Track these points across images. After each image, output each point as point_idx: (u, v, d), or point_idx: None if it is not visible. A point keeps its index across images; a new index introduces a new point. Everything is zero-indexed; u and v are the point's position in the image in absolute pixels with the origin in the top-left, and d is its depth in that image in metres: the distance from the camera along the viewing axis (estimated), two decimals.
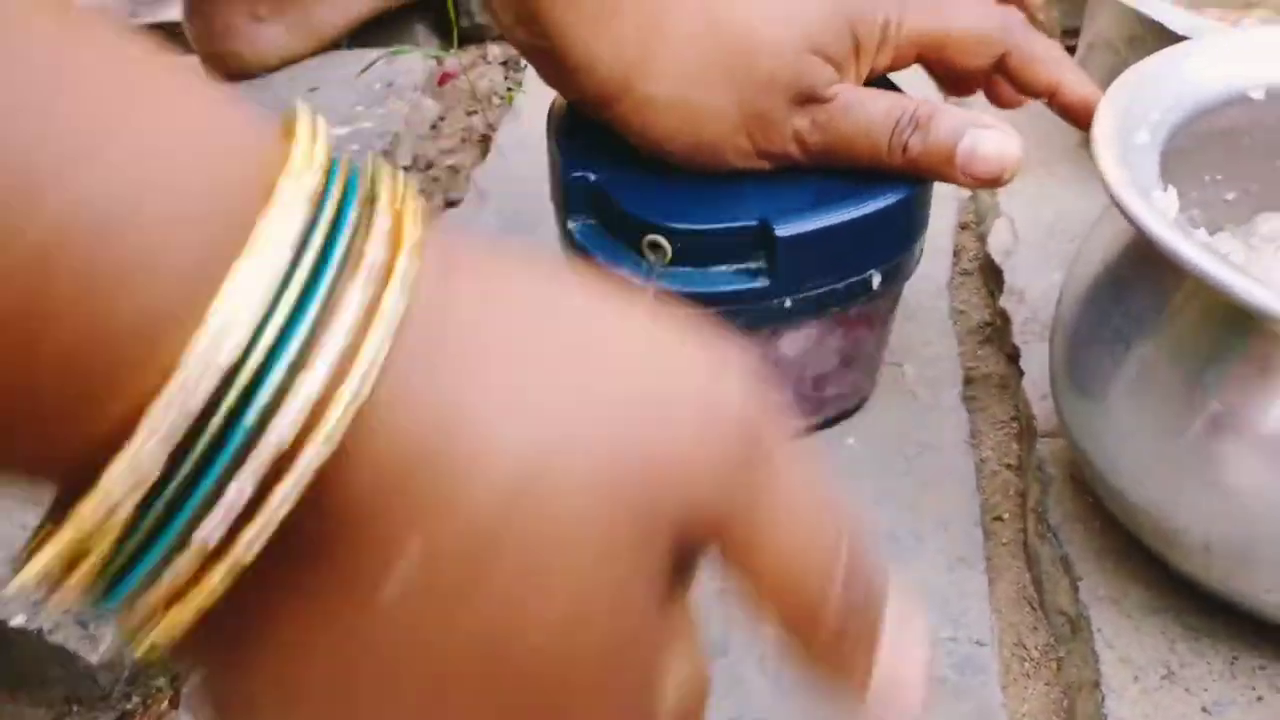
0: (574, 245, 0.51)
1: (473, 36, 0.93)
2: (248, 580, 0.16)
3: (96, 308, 0.14)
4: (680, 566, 0.20)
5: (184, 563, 0.16)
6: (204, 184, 0.16)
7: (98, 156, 0.14)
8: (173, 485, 0.15)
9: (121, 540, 0.15)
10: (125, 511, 0.15)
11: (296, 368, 0.15)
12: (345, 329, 0.16)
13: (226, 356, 0.15)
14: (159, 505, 0.15)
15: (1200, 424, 0.38)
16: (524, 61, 0.89)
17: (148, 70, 0.16)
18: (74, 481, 0.15)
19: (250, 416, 0.15)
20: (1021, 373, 0.59)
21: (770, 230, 0.46)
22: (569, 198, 0.51)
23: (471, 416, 0.17)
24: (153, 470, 0.15)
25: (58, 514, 0.16)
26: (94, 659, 0.48)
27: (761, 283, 0.47)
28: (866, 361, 0.56)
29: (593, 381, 0.18)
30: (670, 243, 0.47)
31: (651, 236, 0.47)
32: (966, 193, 0.75)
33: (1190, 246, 0.35)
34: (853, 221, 0.47)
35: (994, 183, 0.47)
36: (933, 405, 0.57)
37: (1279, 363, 0.36)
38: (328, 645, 0.17)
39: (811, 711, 0.41)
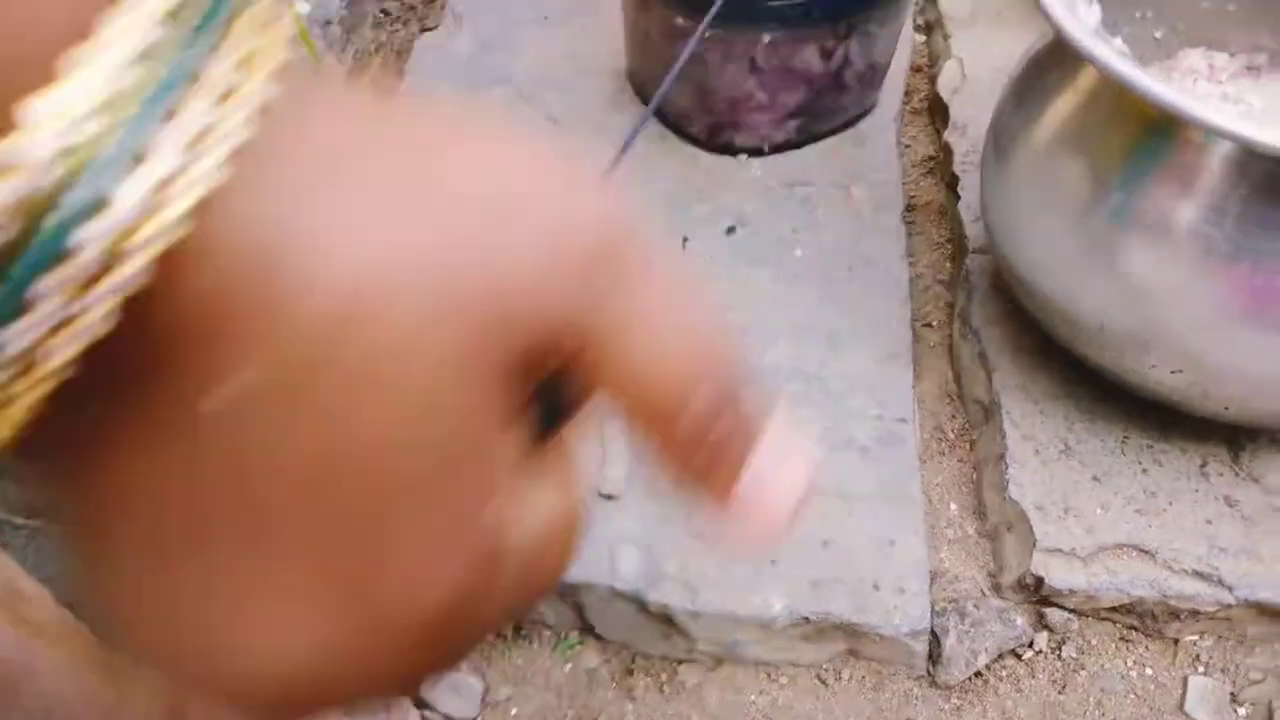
0: None
1: None
2: (65, 404, 0.15)
3: None
4: (544, 396, 0.19)
5: (8, 350, 0.14)
6: None
7: None
8: None
9: None
10: None
11: (117, 177, 0.14)
12: (180, 144, 0.14)
13: (39, 151, 0.13)
14: None
15: (1102, 216, 0.44)
16: None
17: None
18: None
19: (51, 220, 0.13)
20: (958, 198, 0.64)
21: None
22: None
23: (300, 239, 0.16)
24: None
25: None
26: None
27: None
28: (885, 67, 0.66)
29: (433, 200, 0.17)
30: None
31: None
32: (921, 37, 0.79)
33: (1102, 48, 0.40)
34: None
35: None
36: (875, 225, 0.62)
37: (1172, 159, 0.41)
38: (151, 475, 0.16)
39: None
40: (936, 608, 0.49)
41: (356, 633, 0.18)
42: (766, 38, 0.59)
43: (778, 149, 0.65)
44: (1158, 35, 0.57)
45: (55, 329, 0.14)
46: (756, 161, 0.65)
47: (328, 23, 0.76)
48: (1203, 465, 0.51)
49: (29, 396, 0.14)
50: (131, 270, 0.14)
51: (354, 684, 0.19)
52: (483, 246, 0.17)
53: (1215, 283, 0.41)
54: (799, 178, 0.64)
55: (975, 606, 0.49)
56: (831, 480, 0.50)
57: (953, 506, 0.53)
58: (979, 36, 0.74)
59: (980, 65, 0.71)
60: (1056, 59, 0.46)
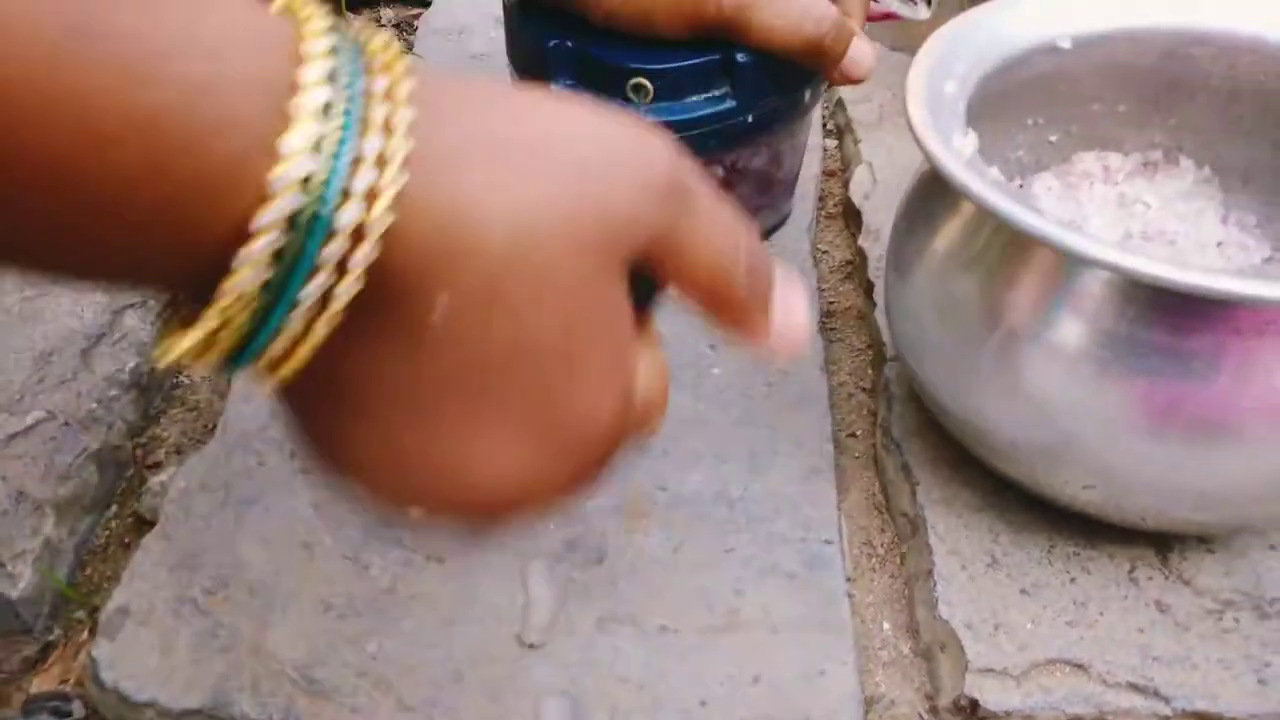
0: None
1: (364, 0, 0.96)
2: (338, 333, 0.23)
3: (197, 151, 0.20)
4: (641, 291, 0.27)
5: (297, 318, 0.22)
6: (254, 62, 0.21)
7: (190, 47, 0.20)
8: (282, 267, 0.21)
9: (254, 312, 0.22)
10: (253, 290, 0.21)
11: (350, 176, 0.21)
12: (374, 150, 0.22)
13: (299, 172, 0.21)
14: (275, 284, 0.21)
15: (996, 337, 0.44)
16: (417, 24, 0.91)
17: None
18: (198, 285, 0.22)
19: (326, 210, 0.21)
20: (875, 304, 0.64)
21: (733, 59, 0.55)
22: (550, 64, 0.58)
23: (470, 199, 0.23)
24: (266, 261, 0.21)
25: (180, 309, 0.23)
26: (14, 595, 0.52)
27: (728, 104, 0.57)
28: (792, 179, 0.66)
29: (553, 162, 0.25)
30: (651, 83, 0.55)
31: (635, 80, 0.55)
32: (832, 142, 0.80)
33: (975, 179, 0.40)
34: None
35: (856, 81, 0.53)
36: None
37: (1056, 281, 0.42)
38: (394, 371, 0.24)
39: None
40: None
41: (551, 458, 0.26)
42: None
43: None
44: (1052, 140, 0.58)
45: (335, 284, 0.22)
46: None
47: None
48: (1131, 570, 0.50)
49: (322, 329, 0.22)
50: (370, 244, 0.22)
51: (547, 496, 0.27)
52: (595, 190, 0.24)
53: (1116, 402, 0.41)
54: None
55: None
56: (759, 611, 0.49)
57: (886, 625, 0.52)
58: (887, 140, 0.75)
59: (890, 169, 0.72)
60: (940, 185, 0.47)
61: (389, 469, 0.26)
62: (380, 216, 0.22)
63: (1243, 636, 0.48)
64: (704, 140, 0.58)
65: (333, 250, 0.21)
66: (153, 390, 0.65)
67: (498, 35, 0.82)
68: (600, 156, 0.25)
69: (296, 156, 0.21)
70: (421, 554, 0.52)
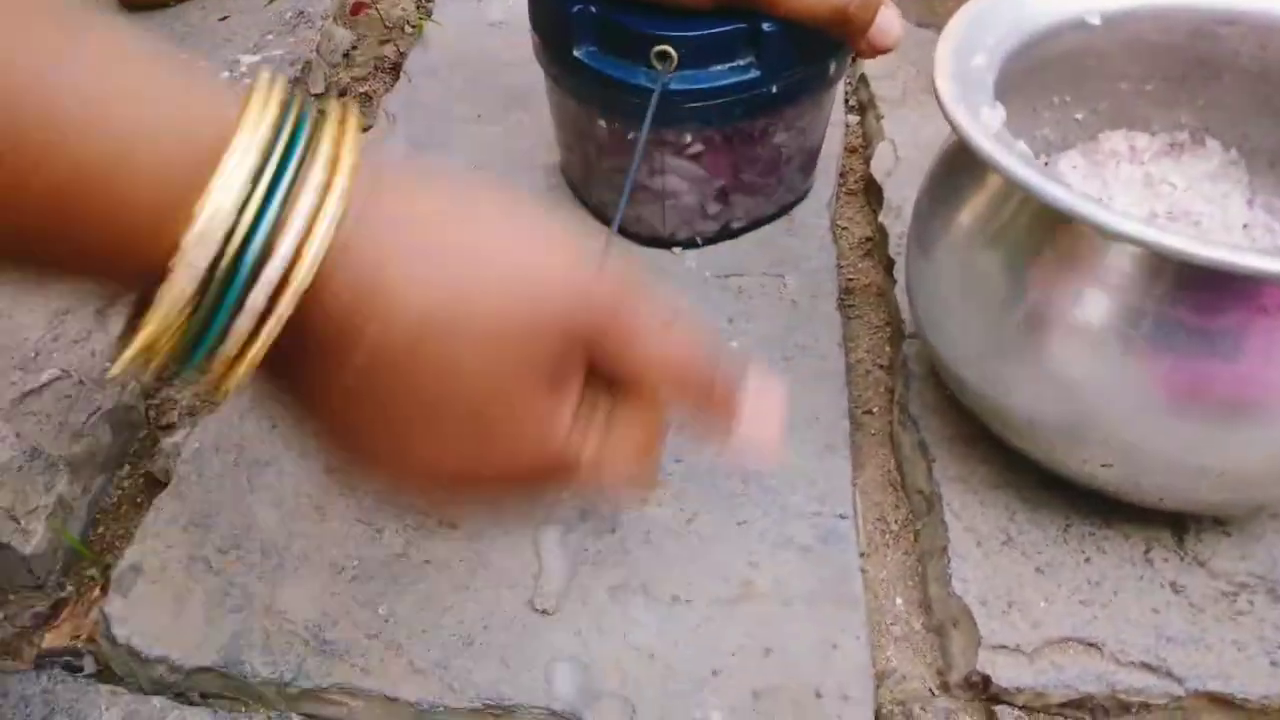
0: (582, 70, 0.59)
1: None
2: (285, 355, 0.27)
3: (120, 207, 0.25)
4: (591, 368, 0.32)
5: (229, 345, 0.26)
6: (185, 123, 0.25)
7: (108, 112, 0.24)
8: (205, 305, 0.26)
9: (181, 336, 0.26)
10: (177, 322, 0.26)
11: (274, 231, 0.26)
12: (302, 220, 0.26)
13: (213, 229, 0.25)
14: (200, 317, 0.26)
15: (1022, 312, 0.43)
16: None
17: (136, 51, 0.26)
18: (145, 296, 0.26)
19: (245, 263, 0.25)
20: (895, 281, 0.64)
21: (759, 28, 0.55)
22: (575, 30, 0.58)
23: (397, 264, 0.27)
24: (187, 295, 0.25)
25: (135, 322, 0.27)
26: (27, 550, 0.52)
27: (753, 74, 0.57)
28: (815, 153, 0.67)
29: (483, 251, 0.29)
30: (675, 50, 0.55)
31: (660, 47, 0.55)
32: (854, 118, 0.79)
33: (1003, 152, 0.40)
34: None
35: (883, 51, 0.53)
36: (810, 312, 0.62)
37: (1082, 257, 0.41)
38: (334, 392, 0.29)
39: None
40: (884, 710, 0.48)
41: (479, 472, 0.31)
42: (689, 137, 0.59)
43: (711, 241, 0.65)
44: (1078, 117, 0.57)
45: (262, 317, 0.26)
46: (691, 253, 0.65)
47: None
48: (1147, 551, 0.50)
49: (256, 354, 0.26)
50: (290, 296, 0.26)
51: (479, 494, 0.32)
52: (521, 280, 0.29)
53: (1139, 379, 0.41)
54: (733, 268, 0.64)
55: (922, 709, 0.48)
56: (772, 583, 0.49)
57: (898, 601, 0.52)
58: (911, 117, 0.74)
59: (913, 146, 0.72)
60: (966, 158, 0.46)
61: (344, 451, 0.31)
62: (303, 275, 0.26)
63: (1257, 619, 0.48)
64: (727, 110, 0.58)
65: (256, 296, 0.26)
66: None
67: (515, 3, 0.82)
68: (532, 266, 0.30)
69: (206, 217, 0.25)
70: (434, 520, 0.52)
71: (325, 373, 0.28)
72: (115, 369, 0.27)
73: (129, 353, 0.26)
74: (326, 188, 0.26)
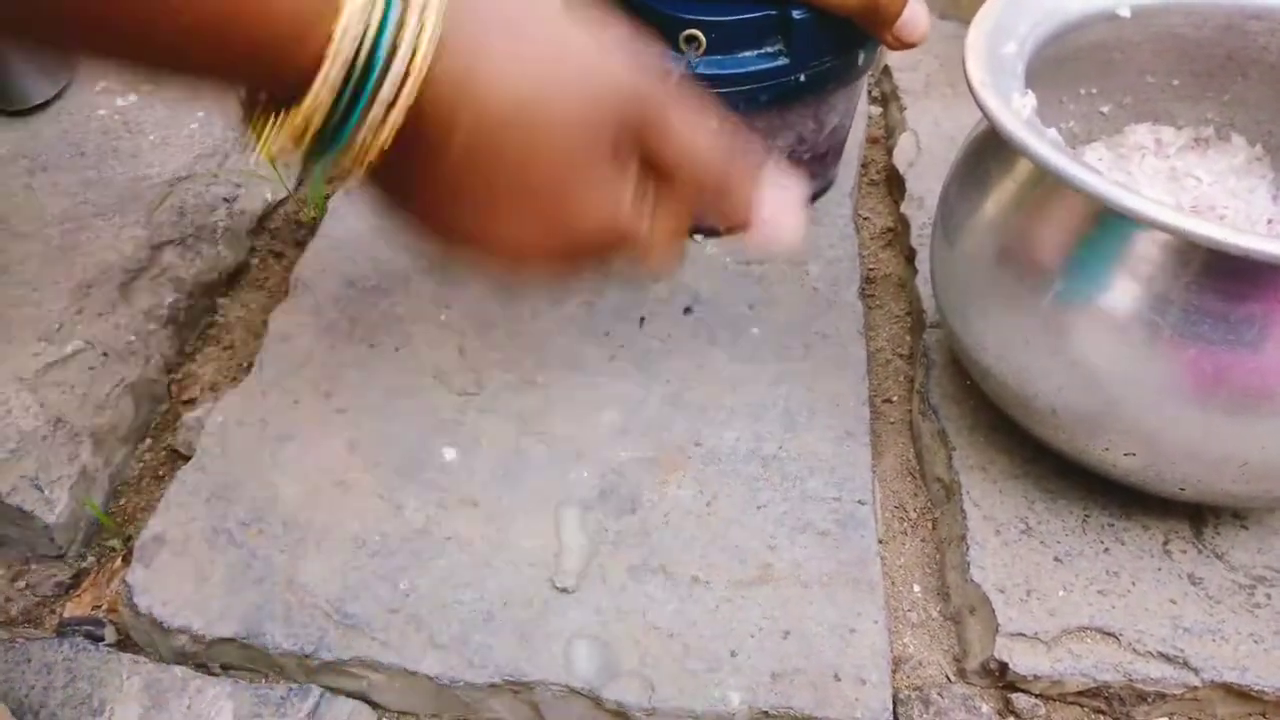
0: None
1: None
2: (400, 143, 0.31)
3: (267, 16, 0.28)
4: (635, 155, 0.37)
5: (365, 130, 0.31)
6: None
7: None
8: (350, 88, 0.30)
9: (326, 120, 0.30)
10: (328, 101, 0.30)
11: (399, 29, 0.30)
12: (416, 11, 0.30)
13: (358, 24, 0.29)
14: (344, 100, 0.30)
15: (1048, 301, 0.43)
16: None
17: None
18: (284, 95, 0.30)
19: (381, 53, 0.30)
20: (916, 271, 0.64)
21: (788, 15, 0.55)
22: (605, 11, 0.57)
23: (488, 59, 0.32)
24: (337, 82, 0.30)
25: (264, 112, 0.31)
26: (50, 519, 0.52)
27: (781, 61, 0.57)
28: (841, 144, 0.67)
29: (558, 51, 0.33)
30: (704, 34, 0.56)
31: (689, 31, 0.56)
32: (877, 109, 0.79)
33: (1035, 138, 0.40)
34: None
35: (911, 44, 0.54)
36: (832, 301, 0.62)
37: (1110, 245, 0.41)
38: (436, 173, 0.33)
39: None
40: (900, 696, 0.48)
41: (549, 246, 0.36)
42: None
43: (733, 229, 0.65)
44: (1104, 110, 0.57)
45: (390, 105, 0.30)
46: (712, 241, 0.65)
47: None
48: (1165, 543, 0.50)
49: (381, 139, 0.31)
50: (414, 80, 0.30)
51: (550, 266, 0.37)
52: (587, 76, 0.34)
53: (1164, 368, 0.41)
54: (754, 255, 0.64)
55: (939, 694, 0.48)
56: (790, 566, 0.50)
57: (916, 588, 0.52)
58: (934, 108, 0.74)
59: (935, 137, 0.72)
60: (995, 145, 0.46)
61: (440, 233, 0.36)
62: (419, 66, 0.30)
63: (1274, 611, 0.48)
64: (754, 96, 0.58)
65: (387, 87, 0.30)
66: (188, 328, 0.65)
67: None
68: (594, 66, 0.34)
69: (346, 17, 0.29)
70: (455, 496, 0.52)
71: (427, 158, 0.33)
72: (266, 147, 0.31)
73: (285, 130, 0.31)
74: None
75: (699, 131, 0.37)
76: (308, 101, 0.30)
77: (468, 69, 0.31)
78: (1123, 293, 0.41)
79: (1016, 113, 0.41)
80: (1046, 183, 0.43)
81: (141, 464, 0.59)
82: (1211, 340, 0.40)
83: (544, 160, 0.33)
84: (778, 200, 0.40)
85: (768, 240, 0.40)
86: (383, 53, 0.29)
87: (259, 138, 0.31)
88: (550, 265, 0.37)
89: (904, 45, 0.56)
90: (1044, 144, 0.40)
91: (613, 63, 0.35)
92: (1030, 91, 0.44)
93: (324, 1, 0.29)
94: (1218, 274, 0.39)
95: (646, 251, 0.39)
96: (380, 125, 0.31)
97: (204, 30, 0.28)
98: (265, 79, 0.31)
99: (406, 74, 0.30)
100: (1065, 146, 0.41)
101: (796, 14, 0.55)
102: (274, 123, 0.31)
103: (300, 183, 0.75)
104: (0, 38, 0.30)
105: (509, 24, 0.33)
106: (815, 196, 0.68)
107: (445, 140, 0.32)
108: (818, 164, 0.65)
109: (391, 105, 0.30)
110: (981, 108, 0.42)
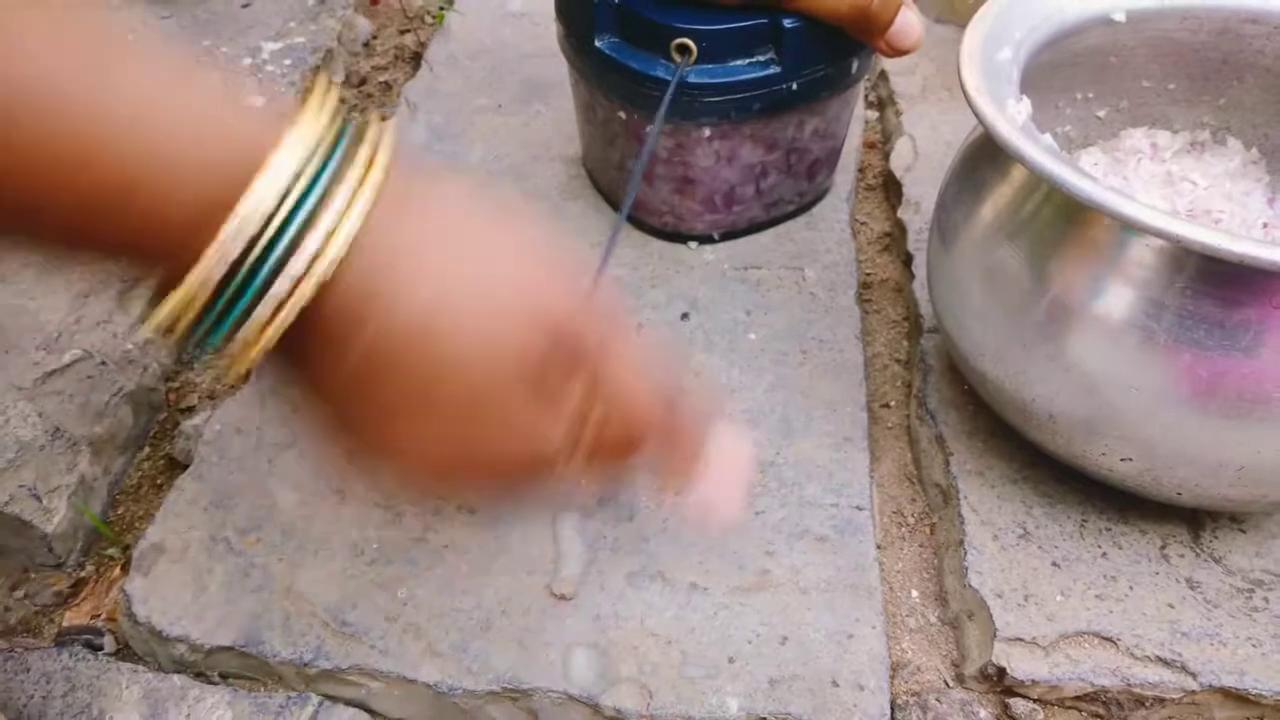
0: (603, 61, 0.59)
1: None
2: (288, 341, 0.29)
3: (163, 203, 0.27)
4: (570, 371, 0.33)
5: (247, 330, 0.28)
6: (229, 148, 0.27)
7: (157, 119, 0.27)
8: (232, 288, 0.28)
9: (201, 315, 0.28)
10: (203, 299, 0.28)
11: (305, 227, 0.28)
12: (333, 216, 0.28)
13: (247, 227, 0.27)
14: (225, 298, 0.28)
15: (1043, 306, 0.44)
16: None
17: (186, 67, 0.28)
18: (167, 276, 0.28)
19: (277, 250, 0.27)
20: (913, 276, 0.64)
21: (780, 24, 0.55)
22: (597, 20, 0.59)
23: (407, 261, 0.30)
24: (215, 280, 0.27)
25: (157, 299, 0.29)
26: (49, 529, 0.52)
27: (773, 70, 0.57)
28: (836, 153, 0.66)
29: (489, 260, 0.31)
30: (695, 43, 0.56)
31: (680, 40, 0.56)
32: (874, 114, 0.79)
33: (1029, 144, 0.40)
34: None
35: (903, 52, 0.53)
36: (829, 306, 0.62)
37: (1105, 250, 0.41)
38: (335, 377, 0.31)
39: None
40: (899, 701, 0.48)
41: (463, 463, 0.33)
42: (707, 132, 0.59)
43: (729, 237, 0.65)
44: (1100, 115, 0.58)
45: (280, 305, 0.28)
46: (709, 246, 0.65)
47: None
48: (1163, 547, 0.50)
49: (271, 335, 0.28)
50: (323, 270, 0.28)
51: (461, 483, 0.34)
52: (513, 296, 0.31)
53: (1159, 374, 0.41)
54: (752, 261, 0.64)
55: (938, 699, 0.48)
56: (789, 572, 0.50)
57: (914, 593, 0.52)
58: (930, 113, 0.74)
59: (932, 141, 0.72)
60: (991, 151, 0.46)
61: (349, 436, 0.33)
62: (324, 268, 0.28)
63: (1272, 615, 0.48)
64: (746, 105, 0.58)
65: (280, 284, 0.28)
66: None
67: None
68: (526, 284, 0.32)
69: (246, 211, 0.27)
70: (453, 504, 0.52)
71: (331, 358, 0.30)
72: (143, 330, 0.29)
73: (151, 321, 0.28)
74: (359, 187, 0.28)
75: (637, 373, 0.35)
76: (180, 291, 0.28)
77: (386, 271, 0.29)
78: (1117, 298, 0.41)
79: (1011, 119, 0.41)
80: (1041, 188, 0.43)
81: (140, 472, 0.59)
82: (1206, 346, 0.40)
83: (457, 378, 0.31)
84: (722, 466, 0.37)
85: (702, 516, 0.37)
86: (279, 251, 0.27)
87: (142, 315, 0.30)
88: (474, 483, 0.34)
89: (897, 52, 0.56)
90: (1038, 150, 0.40)
91: (554, 280, 0.33)
92: (1025, 98, 0.44)
93: (226, 191, 0.27)
94: (1212, 279, 0.39)
95: (584, 474, 0.35)
96: (266, 323, 0.28)
97: (88, 211, 0.27)
98: (143, 263, 0.29)
99: (305, 274, 0.28)
100: (1060, 152, 0.41)
101: (788, 22, 0.55)
102: (154, 301, 0.29)
103: None
104: None
105: (439, 232, 0.31)
106: (811, 204, 0.68)
107: (348, 342, 0.30)
108: (813, 171, 0.65)
109: (283, 304, 0.28)
110: (977, 114, 0.42)
